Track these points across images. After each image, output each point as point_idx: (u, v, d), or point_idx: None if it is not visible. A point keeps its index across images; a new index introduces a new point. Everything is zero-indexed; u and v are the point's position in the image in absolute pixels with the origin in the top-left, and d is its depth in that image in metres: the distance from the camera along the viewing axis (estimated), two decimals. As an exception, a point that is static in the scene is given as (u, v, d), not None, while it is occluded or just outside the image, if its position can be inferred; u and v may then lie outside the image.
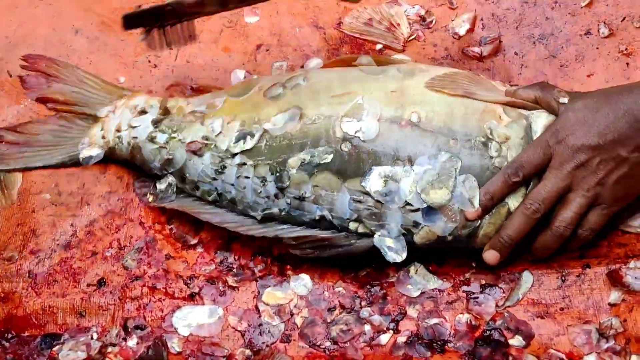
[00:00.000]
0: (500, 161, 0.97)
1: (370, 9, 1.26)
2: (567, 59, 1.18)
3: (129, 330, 0.99)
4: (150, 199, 1.07)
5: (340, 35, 1.24)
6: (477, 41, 1.21)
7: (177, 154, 1.06)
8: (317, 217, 1.00)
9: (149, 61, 1.23)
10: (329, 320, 0.99)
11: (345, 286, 1.01)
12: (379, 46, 1.23)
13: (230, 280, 1.02)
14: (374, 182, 0.97)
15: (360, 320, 0.98)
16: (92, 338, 0.98)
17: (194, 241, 1.05)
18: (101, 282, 1.02)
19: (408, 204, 0.96)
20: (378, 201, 0.97)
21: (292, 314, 1.00)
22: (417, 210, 0.96)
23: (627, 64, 1.18)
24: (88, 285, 1.02)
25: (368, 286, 1.01)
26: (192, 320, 0.99)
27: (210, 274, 1.03)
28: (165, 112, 1.09)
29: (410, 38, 1.23)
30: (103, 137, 1.11)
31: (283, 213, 1.01)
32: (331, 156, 0.98)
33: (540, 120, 1.00)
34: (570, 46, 1.19)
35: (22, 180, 1.11)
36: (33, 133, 1.13)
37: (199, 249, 1.05)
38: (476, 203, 0.95)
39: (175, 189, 1.07)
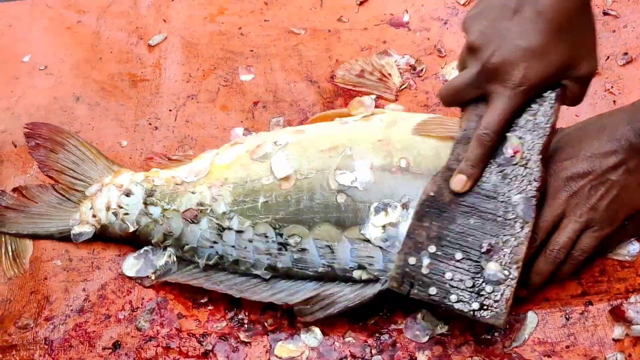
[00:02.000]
0: None
1: (362, 61, 1.29)
2: (556, 100, 1.21)
3: (146, 391, 1.01)
4: (153, 277, 1.09)
5: (334, 88, 1.28)
6: (468, 87, 1.24)
7: (174, 224, 1.08)
8: (320, 270, 1.03)
9: (150, 124, 1.25)
10: (341, 371, 1.01)
11: (354, 336, 1.03)
12: (372, 97, 1.26)
13: (242, 336, 1.04)
14: (372, 229, 1.00)
15: None
16: (110, 401, 1.00)
17: (204, 299, 1.07)
18: (116, 345, 1.04)
19: None
20: (379, 247, 1.00)
21: (304, 366, 1.02)
22: None
23: (614, 101, 1.21)
24: (103, 348, 1.04)
25: (377, 334, 1.03)
26: (207, 378, 1.01)
27: (222, 330, 1.05)
28: (153, 188, 1.11)
29: (402, 87, 1.27)
30: (94, 216, 1.12)
31: (286, 268, 1.04)
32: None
33: None
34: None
35: (33, 249, 1.13)
36: (30, 200, 1.15)
37: (210, 307, 1.07)
38: None
39: (175, 260, 1.09)
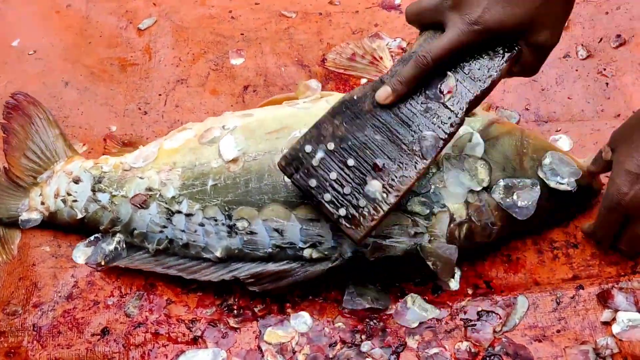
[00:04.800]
0: (437, 169, 1.02)
1: (353, 44, 1.28)
2: (548, 82, 1.21)
3: (135, 377, 1.00)
4: (102, 262, 1.08)
5: (325, 72, 1.27)
6: (459, 70, 1.23)
7: (122, 210, 1.08)
8: (270, 250, 1.03)
9: (139, 108, 1.25)
10: (330, 356, 1.00)
11: (345, 321, 1.03)
12: (363, 80, 1.25)
13: (232, 322, 1.04)
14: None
15: (361, 354, 1.00)
16: (99, 387, 1.00)
17: (193, 285, 1.07)
18: (105, 331, 1.03)
19: None
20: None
21: (294, 352, 1.01)
22: None
23: (607, 83, 1.21)
24: (92, 334, 1.03)
25: (367, 319, 1.02)
26: (196, 364, 1.01)
27: (212, 316, 1.04)
28: (101, 175, 1.10)
29: (394, 70, 1.25)
30: (42, 203, 1.12)
31: (237, 251, 1.04)
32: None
33: (475, 125, 1.07)
34: (550, 70, 1.22)
35: (22, 235, 1.12)
36: None
37: (199, 293, 1.06)
38: None
39: (124, 246, 1.09)
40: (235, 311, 1.04)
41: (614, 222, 0.99)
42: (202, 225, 1.04)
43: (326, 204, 0.96)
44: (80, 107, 1.25)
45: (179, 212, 1.05)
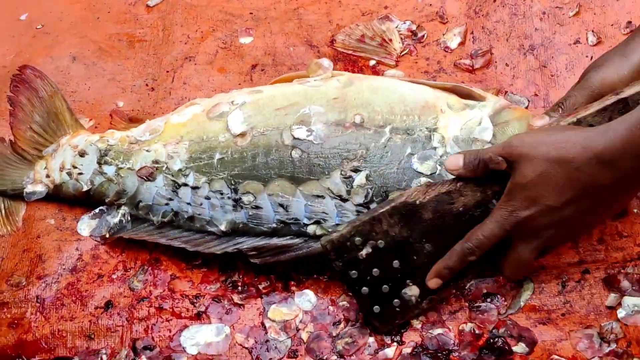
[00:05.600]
0: (444, 151, 1.01)
1: (363, 26, 1.28)
2: (558, 69, 1.20)
3: (138, 351, 1.00)
4: (107, 234, 1.08)
5: (333, 53, 1.27)
6: (469, 54, 1.23)
7: (128, 182, 1.08)
8: (274, 225, 1.03)
9: (147, 84, 1.24)
10: (334, 334, 1.00)
11: (349, 300, 1.02)
12: (372, 62, 1.25)
13: (236, 298, 1.03)
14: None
15: (364, 329, 1.00)
16: (101, 360, 1.00)
17: (198, 261, 1.07)
18: (108, 305, 1.03)
19: (363, 204, 1.00)
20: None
21: (297, 330, 1.01)
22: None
23: (617, 71, 1.20)
24: (96, 308, 1.03)
25: (372, 299, 1.02)
26: (199, 339, 1.01)
27: (216, 292, 1.04)
28: (107, 148, 1.11)
29: (403, 53, 1.25)
30: (47, 176, 1.12)
31: (242, 225, 1.04)
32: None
33: (486, 110, 1.05)
34: (560, 56, 1.21)
35: (27, 207, 1.12)
36: None
37: (203, 268, 1.06)
38: None
39: (129, 218, 1.09)
40: (239, 288, 1.04)
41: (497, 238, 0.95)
42: (207, 198, 1.04)
43: (362, 297, 0.98)
44: (88, 82, 1.25)
45: (185, 184, 1.05)
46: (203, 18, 1.32)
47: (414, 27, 1.28)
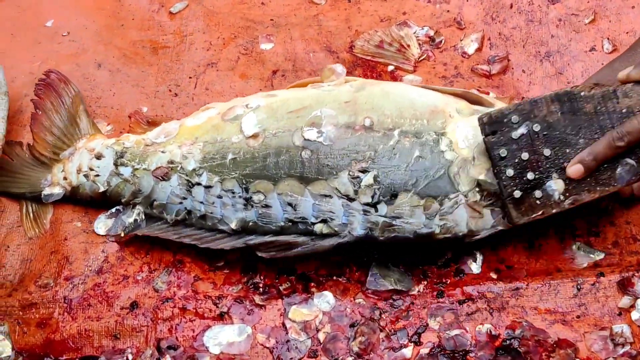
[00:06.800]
0: (452, 155, 1.03)
1: (381, 32, 1.30)
2: (574, 75, 1.22)
3: (162, 350, 1.03)
4: (122, 234, 1.11)
5: (352, 59, 1.29)
6: (486, 60, 1.25)
7: (144, 182, 1.11)
8: (282, 224, 1.05)
9: (170, 90, 1.27)
10: (349, 336, 1.02)
11: (364, 298, 1.05)
12: (390, 67, 1.27)
13: (257, 299, 1.06)
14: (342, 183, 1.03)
15: (374, 322, 1.02)
16: (127, 359, 1.02)
17: (220, 263, 1.09)
18: (134, 305, 1.06)
19: (369, 204, 1.02)
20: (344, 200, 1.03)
21: (317, 330, 1.03)
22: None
23: (632, 77, 1.21)
24: (121, 308, 1.06)
25: (391, 300, 1.04)
26: (222, 339, 1.03)
27: (238, 293, 1.07)
28: (123, 150, 1.13)
29: (421, 58, 1.27)
30: (65, 178, 1.15)
31: (251, 223, 1.06)
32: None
33: None
34: (576, 63, 1.23)
35: (54, 210, 1.15)
36: (7, 157, 1.17)
37: (226, 270, 1.09)
38: None
39: (144, 217, 1.12)
40: (261, 289, 1.07)
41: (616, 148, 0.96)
42: (220, 197, 1.07)
43: (505, 179, 0.97)
44: (112, 88, 1.28)
45: (199, 184, 1.08)
46: (225, 25, 1.34)
47: (431, 33, 1.30)
